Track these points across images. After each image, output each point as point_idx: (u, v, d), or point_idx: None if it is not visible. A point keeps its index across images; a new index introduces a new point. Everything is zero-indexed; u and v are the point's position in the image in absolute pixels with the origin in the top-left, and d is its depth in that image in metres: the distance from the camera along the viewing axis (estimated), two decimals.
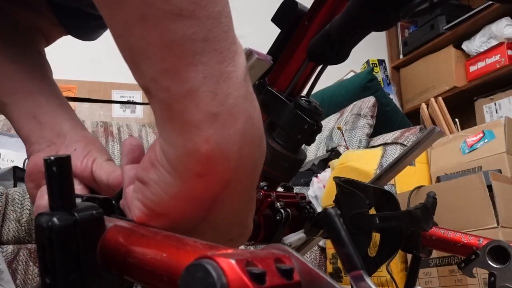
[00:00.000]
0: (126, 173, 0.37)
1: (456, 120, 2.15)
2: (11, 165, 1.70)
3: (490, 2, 2.64)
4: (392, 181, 1.48)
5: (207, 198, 0.31)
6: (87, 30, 0.64)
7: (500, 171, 1.40)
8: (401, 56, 3.37)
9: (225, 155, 0.29)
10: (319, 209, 0.78)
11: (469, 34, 2.89)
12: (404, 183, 1.48)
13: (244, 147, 0.30)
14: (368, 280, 0.24)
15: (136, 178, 0.34)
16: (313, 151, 2.14)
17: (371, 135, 2.03)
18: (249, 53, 0.52)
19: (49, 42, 0.64)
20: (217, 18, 0.28)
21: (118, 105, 2.48)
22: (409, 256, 0.90)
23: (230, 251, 0.23)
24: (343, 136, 1.99)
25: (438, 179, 1.46)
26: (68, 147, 0.51)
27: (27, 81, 0.54)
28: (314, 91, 0.75)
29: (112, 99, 2.48)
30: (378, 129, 2.05)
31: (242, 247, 0.73)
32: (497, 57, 2.70)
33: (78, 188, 0.49)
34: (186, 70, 0.28)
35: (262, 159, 0.34)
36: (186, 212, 0.32)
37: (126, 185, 0.36)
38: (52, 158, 0.30)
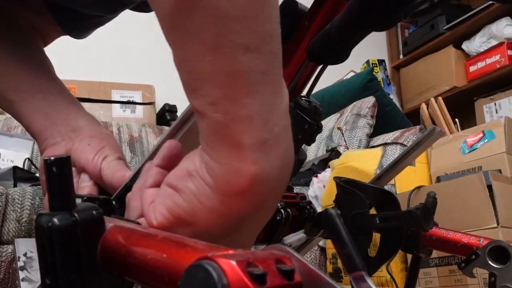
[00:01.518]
0: (152, 175, 0.38)
1: (456, 120, 2.15)
2: (11, 165, 1.70)
3: (490, 2, 2.64)
4: (392, 181, 1.48)
5: (239, 216, 0.33)
6: (82, 29, 0.65)
7: (500, 171, 1.40)
8: (401, 56, 3.37)
9: (267, 178, 0.32)
10: (319, 209, 0.78)
11: (469, 34, 2.88)
12: (404, 183, 1.48)
13: (282, 172, 0.33)
14: (369, 281, 0.24)
15: (166, 184, 0.35)
16: (313, 151, 2.14)
17: (371, 135, 2.03)
18: None
19: (46, 42, 0.64)
20: (276, 54, 0.32)
21: (118, 105, 2.48)
22: (409, 256, 0.90)
23: (230, 252, 0.23)
24: (343, 136, 1.99)
25: (438, 179, 1.46)
26: (82, 142, 0.51)
27: (34, 78, 0.55)
28: (314, 91, 0.75)
29: (112, 99, 2.47)
30: (378, 129, 2.04)
31: None
32: (497, 57, 2.70)
33: (88, 185, 0.49)
34: (245, 97, 0.31)
35: (287, 184, 0.36)
36: (214, 225, 0.33)
37: (147, 186, 0.37)
38: (52, 158, 0.30)
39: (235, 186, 0.32)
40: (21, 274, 1.14)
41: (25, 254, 1.20)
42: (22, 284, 1.14)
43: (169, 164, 0.38)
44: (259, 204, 0.33)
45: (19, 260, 1.18)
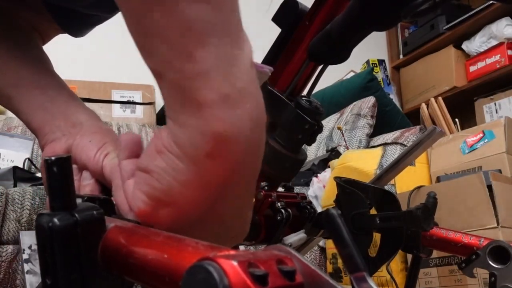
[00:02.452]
0: (124, 168, 0.37)
1: (456, 120, 2.15)
2: (11, 165, 1.70)
3: (490, 2, 2.64)
4: (392, 181, 1.48)
5: (216, 183, 0.31)
6: (81, 28, 0.65)
7: (500, 171, 1.40)
8: (401, 56, 3.37)
9: (236, 135, 0.30)
10: (319, 209, 0.78)
11: (469, 34, 2.88)
12: (404, 183, 1.48)
13: (253, 129, 0.31)
14: (371, 282, 0.24)
15: (138, 169, 0.33)
16: (313, 151, 2.14)
17: (371, 135, 2.03)
18: None
19: (45, 40, 0.64)
20: (229, 5, 0.30)
21: (118, 105, 2.48)
22: (409, 256, 0.90)
23: (232, 252, 0.22)
24: (343, 136, 1.99)
25: (438, 179, 1.46)
26: (83, 138, 0.50)
27: (33, 74, 0.54)
28: (315, 91, 0.75)
29: (112, 99, 2.47)
30: (378, 129, 2.04)
31: (242, 247, 0.73)
32: (497, 57, 2.70)
33: (90, 183, 0.48)
34: (198, 51, 0.29)
35: (263, 147, 0.34)
36: (194, 199, 0.32)
37: (124, 180, 0.36)
38: (52, 158, 0.30)
39: (202, 149, 0.30)
40: (26, 267, 1.14)
41: (30, 247, 1.20)
42: (27, 276, 1.14)
43: (133, 153, 0.37)
44: (233, 166, 0.31)
45: (23, 253, 1.18)
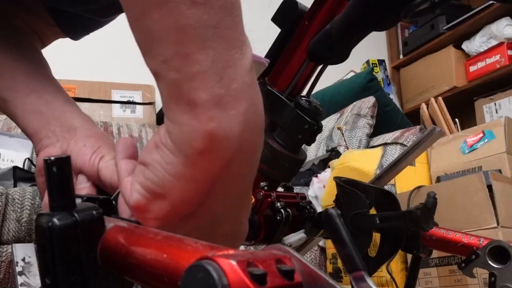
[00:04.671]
0: (122, 167, 0.38)
1: (456, 120, 2.15)
2: (11, 165, 1.70)
3: (490, 2, 2.63)
4: (392, 181, 1.48)
5: (208, 178, 0.32)
6: (81, 31, 0.65)
7: (500, 171, 1.40)
8: (401, 56, 3.37)
9: (227, 134, 0.31)
10: (319, 209, 0.78)
11: (469, 34, 2.88)
12: (404, 183, 1.48)
13: (246, 130, 0.32)
14: (369, 281, 0.24)
15: (138, 162, 0.35)
16: (313, 151, 2.14)
17: (371, 135, 2.03)
18: None
19: (45, 43, 0.64)
20: (229, 9, 0.31)
21: (118, 105, 2.48)
22: (409, 256, 0.90)
23: (231, 252, 0.22)
24: (343, 136, 1.99)
25: (438, 179, 1.46)
26: (78, 142, 0.50)
27: (29, 78, 0.54)
28: (314, 91, 0.75)
29: (112, 99, 2.47)
30: (378, 129, 2.04)
31: (242, 247, 0.73)
32: (497, 57, 2.70)
33: (86, 187, 0.48)
34: (196, 53, 0.30)
35: (261, 148, 0.35)
36: (186, 192, 0.33)
37: (122, 178, 0.37)
38: (52, 158, 0.30)
39: (194, 146, 0.31)
40: (20, 279, 1.14)
41: (23, 259, 1.20)
42: None
43: (130, 154, 0.39)
44: (225, 162, 0.32)
45: (17, 265, 1.18)
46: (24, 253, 1.23)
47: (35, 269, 0.97)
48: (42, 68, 0.58)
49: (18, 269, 1.18)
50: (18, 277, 1.16)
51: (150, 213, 0.33)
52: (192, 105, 0.31)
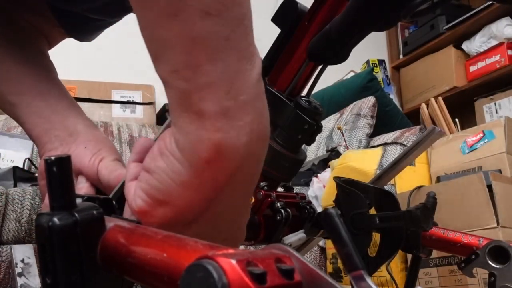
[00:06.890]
0: (130, 170, 0.38)
1: (456, 120, 2.15)
2: (11, 165, 1.70)
3: (490, 2, 2.64)
4: (392, 181, 1.48)
5: (213, 187, 0.33)
6: (86, 32, 0.65)
7: (500, 171, 1.40)
8: (401, 56, 3.37)
9: (234, 145, 0.31)
10: (319, 209, 0.78)
11: (469, 34, 2.88)
12: (404, 183, 1.48)
13: (252, 141, 0.32)
14: (369, 280, 0.24)
15: (142, 169, 0.35)
16: (313, 151, 2.14)
17: (371, 135, 2.03)
18: None
19: (51, 45, 0.65)
20: (241, 20, 0.31)
21: (118, 105, 2.48)
22: (409, 256, 0.90)
23: (230, 251, 0.23)
24: (343, 136, 1.99)
25: (438, 179, 1.46)
26: (79, 146, 0.51)
27: (35, 82, 0.55)
28: (314, 91, 0.75)
29: (112, 99, 2.47)
30: (378, 129, 2.04)
31: (242, 247, 0.73)
32: (497, 57, 2.70)
33: (85, 187, 0.49)
34: (206, 64, 0.30)
35: (264, 157, 0.36)
36: (190, 200, 0.33)
37: (128, 181, 0.37)
38: (52, 158, 0.30)
39: (200, 155, 0.31)
40: (19, 281, 1.14)
41: (22, 260, 1.20)
42: None
43: (143, 158, 0.38)
44: (231, 172, 0.32)
45: (16, 267, 1.18)
46: (23, 254, 1.22)
47: (34, 270, 0.97)
48: (48, 71, 0.58)
49: (18, 270, 1.18)
50: (18, 278, 1.16)
51: (153, 217, 0.34)
52: (200, 115, 0.31)
